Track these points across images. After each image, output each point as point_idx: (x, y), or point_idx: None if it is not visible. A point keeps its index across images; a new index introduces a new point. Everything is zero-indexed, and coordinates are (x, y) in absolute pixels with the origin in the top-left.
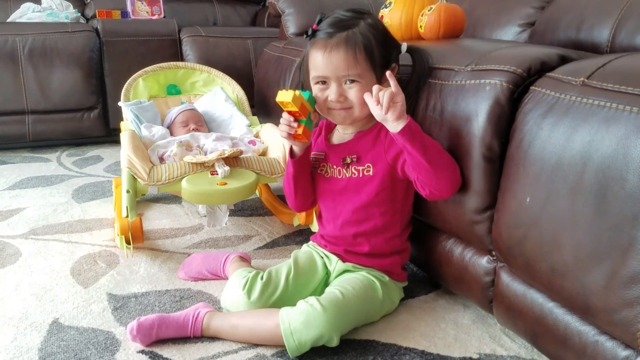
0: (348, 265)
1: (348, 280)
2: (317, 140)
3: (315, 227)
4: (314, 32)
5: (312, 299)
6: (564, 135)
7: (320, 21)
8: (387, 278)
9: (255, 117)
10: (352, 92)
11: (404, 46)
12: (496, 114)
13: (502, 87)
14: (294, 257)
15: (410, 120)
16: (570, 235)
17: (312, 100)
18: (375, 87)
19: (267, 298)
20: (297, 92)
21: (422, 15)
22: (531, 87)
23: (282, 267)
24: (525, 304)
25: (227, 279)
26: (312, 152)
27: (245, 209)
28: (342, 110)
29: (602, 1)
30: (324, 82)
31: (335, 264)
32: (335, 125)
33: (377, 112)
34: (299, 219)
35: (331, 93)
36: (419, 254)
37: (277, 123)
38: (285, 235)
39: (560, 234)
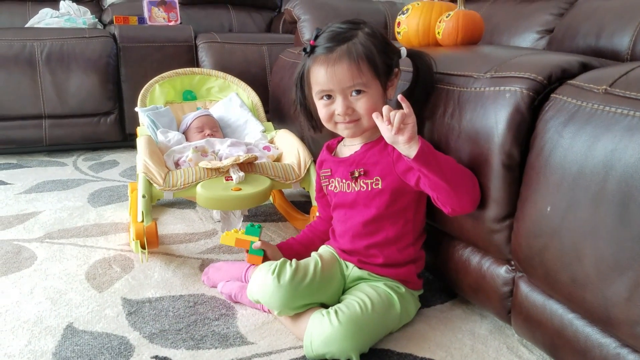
0: (364, 272)
1: (367, 292)
2: (321, 159)
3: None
4: (313, 48)
5: (333, 315)
6: (585, 144)
7: (317, 37)
8: (403, 289)
9: (270, 123)
10: (360, 103)
11: (404, 51)
12: (516, 121)
13: (522, 94)
14: (317, 253)
15: (422, 144)
16: (592, 245)
17: (257, 231)
18: (385, 108)
19: (297, 283)
20: (229, 233)
21: (439, 22)
22: (552, 95)
23: (309, 259)
24: (545, 315)
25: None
26: (321, 171)
27: (259, 214)
28: (350, 123)
29: (622, 8)
30: (329, 97)
31: (351, 269)
32: (338, 142)
33: (388, 134)
34: None
35: (338, 106)
36: (435, 262)
37: (291, 129)
38: None
39: (582, 244)
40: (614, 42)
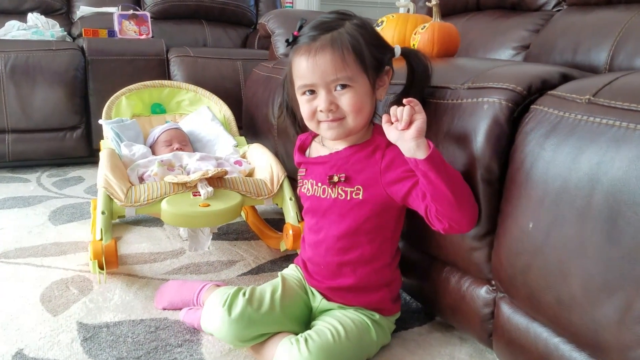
0: (333, 304)
1: (339, 319)
2: (298, 160)
3: None
4: (295, 38)
5: (302, 343)
6: (569, 156)
7: (301, 27)
8: (377, 316)
9: (243, 138)
10: (345, 98)
11: (397, 49)
12: (495, 133)
13: (501, 105)
14: (281, 276)
15: (433, 146)
16: (578, 264)
17: None
18: (392, 108)
19: (250, 315)
20: None
21: (415, 34)
22: (532, 106)
23: (267, 285)
24: (528, 339)
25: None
26: (298, 172)
27: (230, 232)
28: (334, 121)
29: (598, 23)
30: (311, 92)
31: (319, 302)
32: (313, 137)
33: (393, 132)
34: (286, 244)
35: (320, 102)
36: (412, 282)
37: (265, 143)
38: (271, 261)
39: (567, 263)
40: (591, 58)
